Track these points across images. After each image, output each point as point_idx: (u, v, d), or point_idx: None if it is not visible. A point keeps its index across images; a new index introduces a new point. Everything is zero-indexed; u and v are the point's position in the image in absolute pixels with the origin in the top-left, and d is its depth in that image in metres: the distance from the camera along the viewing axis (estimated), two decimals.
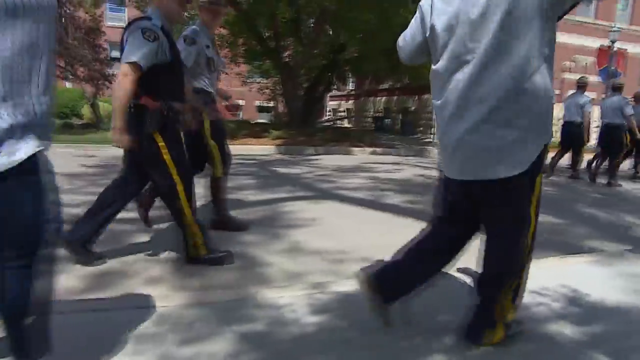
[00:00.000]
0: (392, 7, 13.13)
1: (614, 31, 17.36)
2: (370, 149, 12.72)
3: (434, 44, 1.67)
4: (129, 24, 2.54)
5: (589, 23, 20.32)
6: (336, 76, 19.36)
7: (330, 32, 15.43)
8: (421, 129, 18.81)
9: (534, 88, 1.53)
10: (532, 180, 1.66)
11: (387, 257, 1.97)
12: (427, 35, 1.68)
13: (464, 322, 1.87)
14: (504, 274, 1.74)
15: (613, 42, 17.52)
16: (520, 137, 1.56)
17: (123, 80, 2.39)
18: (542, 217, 1.85)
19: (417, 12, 1.73)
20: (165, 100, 2.56)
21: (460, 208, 1.82)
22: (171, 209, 2.73)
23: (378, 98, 22.63)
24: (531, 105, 1.55)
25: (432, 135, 18.09)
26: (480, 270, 1.83)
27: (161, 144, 2.56)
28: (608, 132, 7.92)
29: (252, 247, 3.22)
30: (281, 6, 13.19)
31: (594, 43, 19.41)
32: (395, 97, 21.22)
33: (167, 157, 2.59)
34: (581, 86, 8.37)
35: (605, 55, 17.73)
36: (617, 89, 8.35)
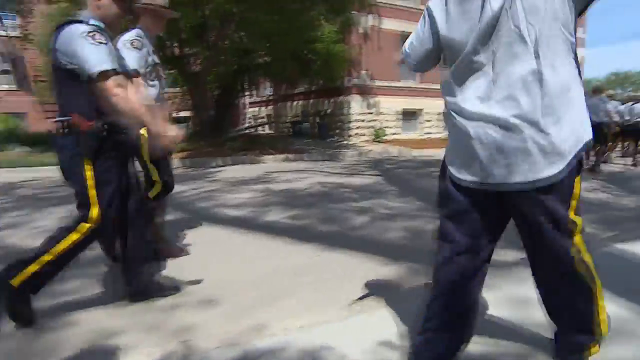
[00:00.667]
0: (295, 10, 12.88)
1: None
2: (283, 156, 12.33)
3: (453, 50, 1.52)
4: (58, 28, 2.11)
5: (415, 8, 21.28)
6: (249, 82, 18.83)
7: (237, 36, 14.87)
8: (337, 131, 18.72)
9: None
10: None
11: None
12: (439, 42, 1.57)
13: None
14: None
15: None
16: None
17: (119, 96, 2.05)
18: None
19: (425, 16, 1.60)
20: (104, 118, 2.14)
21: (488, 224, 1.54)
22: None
23: (295, 102, 22.34)
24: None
25: (349, 137, 18.08)
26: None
27: (89, 173, 2.15)
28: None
29: (74, 295, 2.64)
30: (186, 11, 12.46)
31: None
32: (311, 101, 21.01)
33: (92, 192, 2.17)
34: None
35: None
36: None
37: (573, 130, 1.35)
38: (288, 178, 7.88)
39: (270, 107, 26.11)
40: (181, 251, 3.47)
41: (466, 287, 1.54)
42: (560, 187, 1.38)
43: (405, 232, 4.01)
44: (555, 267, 1.49)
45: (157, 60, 3.09)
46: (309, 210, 4.92)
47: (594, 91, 9.14)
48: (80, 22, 2.12)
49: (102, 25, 2.19)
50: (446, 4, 1.50)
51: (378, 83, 18.59)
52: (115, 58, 2.15)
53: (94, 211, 2.19)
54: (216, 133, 14.32)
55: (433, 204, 2.36)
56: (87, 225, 2.21)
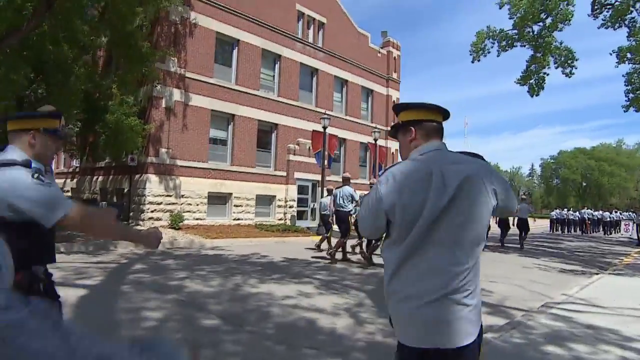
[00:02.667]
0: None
1: (325, 118, 18.49)
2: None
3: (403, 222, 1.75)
4: None
5: (311, 110, 21.60)
6: None
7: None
8: (131, 214, 16.45)
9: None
10: None
11: None
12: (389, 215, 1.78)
13: None
14: None
15: (325, 127, 18.60)
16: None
17: (80, 223, 1.97)
18: None
19: (375, 191, 1.81)
20: (30, 268, 1.93)
21: None
22: None
23: (96, 177, 19.69)
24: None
25: (143, 222, 15.90)
26: None
27: None
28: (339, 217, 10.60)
29: None
30: None
31: (317, 127, 20.57)
32: (111, 177, 18.61)
33: None
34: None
35: (319, 138, 18.63)
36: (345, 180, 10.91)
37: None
38: None
39: (75, 180, 22.89)
40: None
41: None
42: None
43: None
44: None
45: None
46: None
47: None
48: (20, 163, 1.92)
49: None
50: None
51: (181, 163, 17.06)
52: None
53: None
54: None
55: None
56: None
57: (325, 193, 13.35)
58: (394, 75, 27.37)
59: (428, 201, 1.68)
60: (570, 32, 62.88)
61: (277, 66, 20.93)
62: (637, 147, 75.61)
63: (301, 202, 21.22)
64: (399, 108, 1.95)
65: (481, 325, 1.76)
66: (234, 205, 18.72)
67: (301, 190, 21.24)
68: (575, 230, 32.85)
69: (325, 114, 18.90)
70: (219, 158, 18.64)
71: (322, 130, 18.52)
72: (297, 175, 20.79)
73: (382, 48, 27.05)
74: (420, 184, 1.71)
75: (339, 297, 6.61)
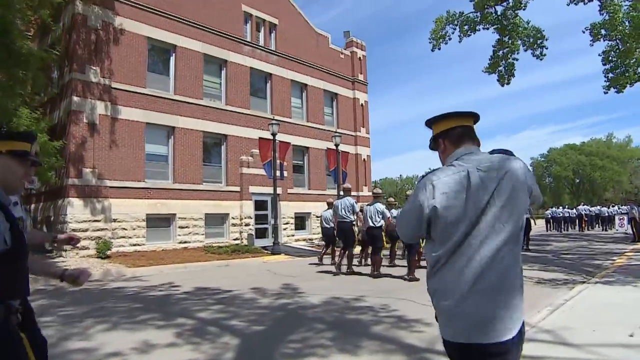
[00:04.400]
0: None
1: (274, 124, 16.66)
2: None
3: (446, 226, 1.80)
4: None
5: (265, 118, 19.75)
6: None
7: None
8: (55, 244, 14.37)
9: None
10: None
11: None
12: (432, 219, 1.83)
13: None
14: None
15: (274, 134, 16.75)
16: None
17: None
18: None
19: (414, 198, 1.87)
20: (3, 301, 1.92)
21: None
22: None
23: (29, 204, 17.68)
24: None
25: (65, 253, 13.88)
26: None
27: None
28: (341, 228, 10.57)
29: None
30: None
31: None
32: (41, 204, 16.64)
33: None
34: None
35: (268, 147, 16.78)
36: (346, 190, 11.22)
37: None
38: None
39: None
40: None
41: None
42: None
43: None
44: None
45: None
46: None
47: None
48: None
49: None
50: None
51: (110, 183, 15.10)
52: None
53: None
54: None
55: None
56: None
57: (326, 206, 13.24)
58: (360, 77, 25.65)
59: (469, 200, 1.74)
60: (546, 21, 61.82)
61: (223, 72, 19.14)
62: (628, 140, 74.14)
63: (260, 219, 19.23)
64: (428, 124, 2.04)
65: (523, 322, 1.76)
66: (179, 227, 16.73)
67: (259, 206, 19.26)
68: (572, 228, 31.75)
69: (273, 119, 17.07)
70: (159, 176, 16.71)
71: (270, 137, 16.65)
72: (252, 189, 18.85)
73: (345, 49, 25.39)
74: (459, 186, 1.77)
75: (193, 349, 4.63)
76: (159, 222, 16.44)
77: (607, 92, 16.68)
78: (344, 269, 10.58)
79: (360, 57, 25.84)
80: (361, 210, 10.69)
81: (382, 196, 10.88)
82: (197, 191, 17.45)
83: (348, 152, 21.43)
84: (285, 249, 17.58)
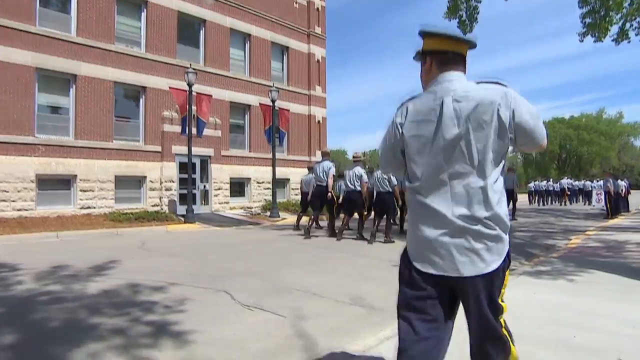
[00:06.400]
0: None
1: (190, 72, 14.23)
2: None
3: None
4: None
5: (198, 70, 17.23)
6: None
7: None
8: None
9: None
10: None
11: None
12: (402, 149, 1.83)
13: None
14: None
15: (190, 84, 14.35)
16: None
17: None
18: None
19: (390, 124, 1.86)
20: None
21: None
22: None
23: None
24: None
25: None
26: None
27: None
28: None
29: None
30: None
31: (206, 90, 16.27)
32: None
33: None
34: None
35: (184, 99, 14.40)
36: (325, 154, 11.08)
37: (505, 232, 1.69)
38: None
39: None
40: None
41: None
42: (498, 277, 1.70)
43: None
44: (489, 332, 1.71)
45: None
46: None
47: None
48: None
49: None
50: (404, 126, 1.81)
51: None
52: None
53: None
54: None
55: None
56: None
57: (307, 171, 13.27)
58: (317, 30, 23.02)
59: (439, 131, 1.67)
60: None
61: (143, 15, 16.51)
62: (619, 116, 71.93)
63: (186, 183, 16.84)
64: (422, 35, 1.85)
65: (506, 259, 1.71)
66: (81, 190, 14.46)
67: (185, 169, 16.91)
68: (555, 202, 31.30)
69: (190, 67, 14.60)
70: (57, 130, 14.34)
71: (186, 88, 14.25)
72: (176, 149, 16.53)
73: None
74: (431, 115, 1.71)
75: None
76: (54, 184, 14.17)
77: (582, 41, 14.32)
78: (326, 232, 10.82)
79: (318, 8, 23.14)
80: (340, 176, 10.85)
81: (361, 160, 10.65)
82: (105, 150, 15.11)
83: (288, 110, 18.93)
84: (212, 217, 15.47)
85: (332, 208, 10.86)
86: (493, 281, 1.65)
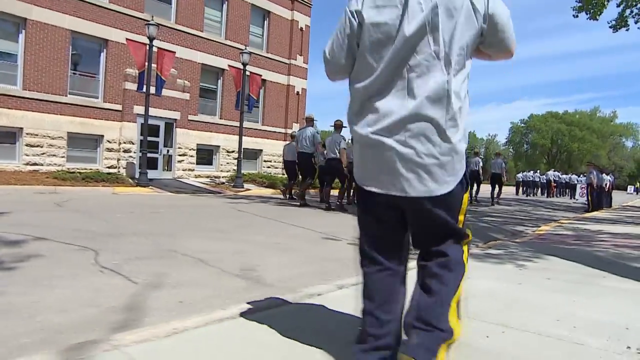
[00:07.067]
0: None
1: (151, 24, 13.09)
2: None
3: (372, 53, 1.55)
4: None
5: (168, 27, 16.05)
6: None
7: None
8: None
9: None
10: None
11: None
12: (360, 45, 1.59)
13: None
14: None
15: (151, 38, 13.21)
16: None
17: None
18: None
19: (344, 13, 1.61)
20: None
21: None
22: None
23: None
24: None
25: None
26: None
27: None
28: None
29: None
30: None
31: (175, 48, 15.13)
32: None
33: None
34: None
35: (142, 54, 13.28)
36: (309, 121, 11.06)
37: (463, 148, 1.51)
38: None
39: None
40: None
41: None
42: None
43: None
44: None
45: None
46: None
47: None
48: None
49: None
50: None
51: None
52: None
53: None
54: None
55: None
56: None
57: (290, 139, 13.29)
58: None
59: (405, 18, 1.46)
60: None
61: None
62: (613, 115, 71.19)
63: (148, 146, 15.76)
64: None
65: (463, 181, 1.55)
66: (26, 145, 13.39)
67: (151, 131, 15.79)
68: (542, 194, 31.38)
69: (152, 20, 13.43)
70: (2, 79, 13.16)
71: (146, 42, 13.11)
72: (138, 110, 15.40)
73: None
74: (396, 1, 1.50)
75: None
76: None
77: (576, 16, 13.33)
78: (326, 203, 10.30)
79: None
80: (324, 145, 10.47)
81: (342, 127, 10.23)
82: (58, 104, 13.99)
83: (260, 75, 17.75)
84: (171, 184, 14.50)
85: (313, 175, 10.94)
86: (447, 204, 1.51)
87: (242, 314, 2.36)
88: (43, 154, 13.69)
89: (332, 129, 11.11)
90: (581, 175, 31.25)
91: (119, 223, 6.05)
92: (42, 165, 13.58)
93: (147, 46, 13.17)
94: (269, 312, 2.47)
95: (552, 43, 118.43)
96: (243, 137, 16.02)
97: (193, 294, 3.02)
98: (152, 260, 3.90)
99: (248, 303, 2.58)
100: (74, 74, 14.56)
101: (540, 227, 9.14)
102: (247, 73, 16.16)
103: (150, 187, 13.12)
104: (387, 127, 1.46)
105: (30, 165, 13.39)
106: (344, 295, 2.80)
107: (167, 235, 5.23)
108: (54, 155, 13.89)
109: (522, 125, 67.09)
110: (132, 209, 8.08)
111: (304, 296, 2.80)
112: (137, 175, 14.69)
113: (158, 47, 13.82)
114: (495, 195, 16.18)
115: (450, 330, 1.50)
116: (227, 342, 2.03)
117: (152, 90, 13.64)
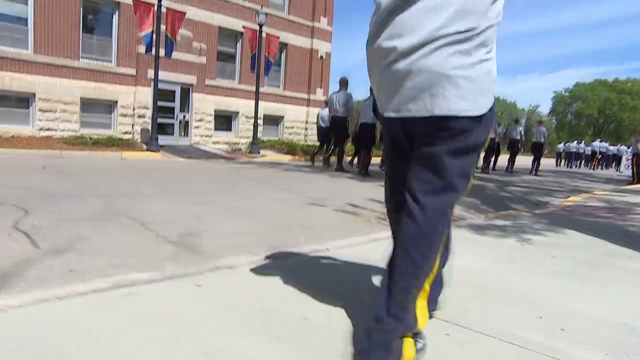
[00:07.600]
0: None
1: None
2: None
3: None
4: None
5: None
6: None
7: None
8: None
9: None
10: None
11: None
12: None
13: None
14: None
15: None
16: None
17: None
18: None
19: None
20: None
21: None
22: None
23: None
24: None
25: None
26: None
27: None
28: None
29: None
30: None
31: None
32: None
33: None
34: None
35: (147, 14, 12.76)
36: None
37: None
38: None
39: None
40: None
41: None
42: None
43: None
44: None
45: None
46: None
47: None
48: None
49: None
50: None
51: None
52: None
53: None
54: None
55: None
56: None
57: (324, 105, 13.00)
58: None
59: None
60: None
61: None
62: None
63: (164, 111, 15.38)
64: None
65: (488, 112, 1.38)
66: (40, 110, 13.28)
67: (163, 95, 15.42)
68: (586, 166, 28.67)
69: None
70: (13, 43, 12.99)
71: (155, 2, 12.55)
72: (152, 74, 14.94)
73: None
74: None
75: None
76: (8, 102, 12.98)
77: None
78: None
79: None
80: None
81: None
82: (71, 68, 13.76)
83: (278, 37, 16.86)
84: (185, 150, 14.14)
85: (345, 139, 10.74)
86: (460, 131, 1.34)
87: (107, 289, 1.80)
88: (57, 119, 13.57)
89: (362, 99, 10.49)
90: (631, 146, 28.92)
91: (93, 185, 5.63)
92: (55, 130, 13.48)
93: (157, 5, 12.61)
94: (140, 287, 1.89)
95: (604, 7, 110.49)
96: (264, 102, 15.44)
97: (94, 262, 2.49)
98: (84, 223, 3.40)
99: (137, 273, 2.02)
100: (86, 37, 14.24)
101: (568, 197, 8.21)
102: (264, 35, 15.39)
103: (161, 152, 12.80)
104: (408, 43, 1.32)
105: (44, 130, 13.31)
106: (261, 270, 2.20)
107: (129, 197, 4.77)
108: (67, 121, 13.75)
109: (567, 94, 63.21)
110: (125, 172, 7.70)
111: (214, 268, 2.21)
112: (150, 140, 14.42)
113: (167, 7, 13.24)
114: (534, 164, 15.64)
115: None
116: (41, 327, 1.47)
117: (162, 53, 13.16)
